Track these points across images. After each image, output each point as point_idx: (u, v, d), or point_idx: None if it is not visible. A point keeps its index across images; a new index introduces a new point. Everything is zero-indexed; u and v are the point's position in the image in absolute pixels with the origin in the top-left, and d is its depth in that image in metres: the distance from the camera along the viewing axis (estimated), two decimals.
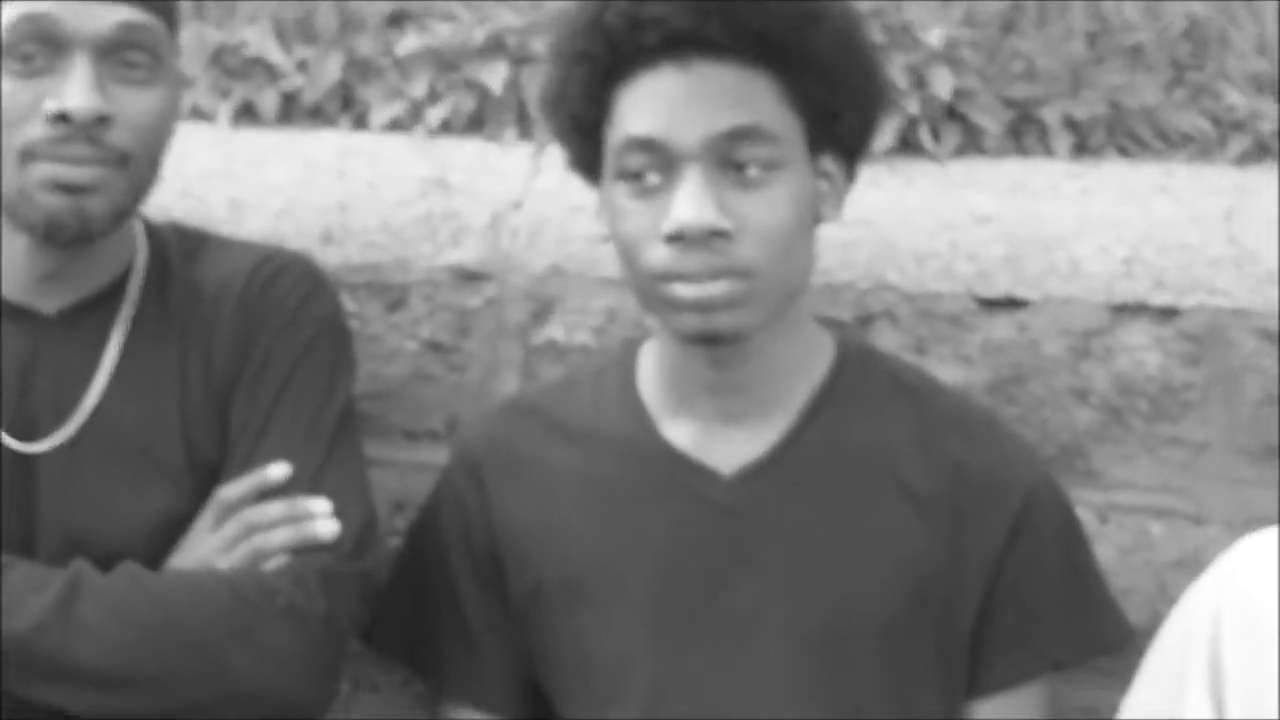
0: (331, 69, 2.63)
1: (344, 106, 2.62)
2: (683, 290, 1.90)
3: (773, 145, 1.90)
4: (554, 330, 2.36)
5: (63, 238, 1.98)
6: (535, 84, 2.51)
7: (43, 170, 1.95)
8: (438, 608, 2.10)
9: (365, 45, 2.66)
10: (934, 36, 2.49)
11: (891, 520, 2.01)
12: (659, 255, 1.91)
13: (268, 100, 2.61)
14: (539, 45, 2.58)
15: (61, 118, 1.91)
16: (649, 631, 2.01)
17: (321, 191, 2.45)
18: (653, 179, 1.90)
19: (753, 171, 1.89)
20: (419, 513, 2.15)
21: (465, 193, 2.44)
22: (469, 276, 2.37)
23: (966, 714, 2.07)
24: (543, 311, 2.36)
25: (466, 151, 2.52)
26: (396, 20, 2.70)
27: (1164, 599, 2.21)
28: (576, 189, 2.35)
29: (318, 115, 2.62)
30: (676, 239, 1.88)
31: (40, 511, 2.01)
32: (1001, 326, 2.30)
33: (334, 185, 2.46)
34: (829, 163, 1.97)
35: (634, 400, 2.06)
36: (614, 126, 1.93)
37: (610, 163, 1.94)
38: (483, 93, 2.57)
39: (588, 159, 2.00)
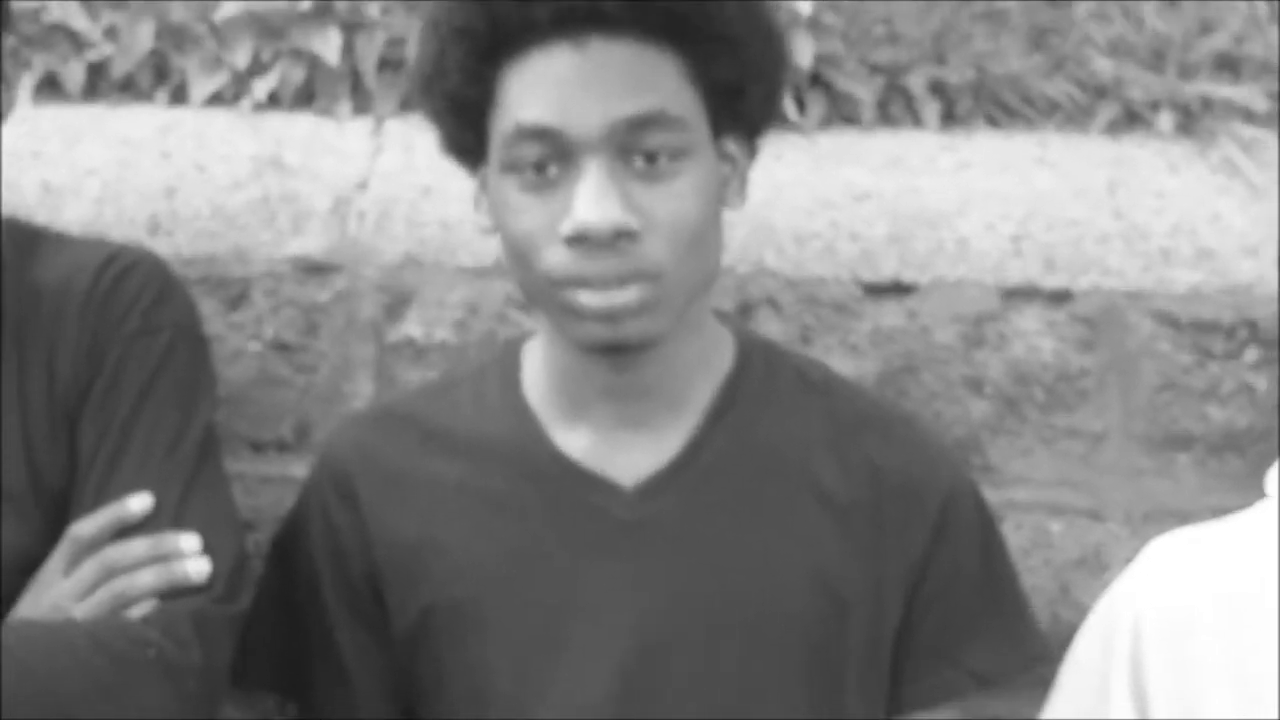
0: (143, 37, 2.47)
1: (158, 79, 2.48)
2: (587, 299, 1.79)
3: (679, 131, 1.79)
4: (410, 327, 2.25)
5: None
6: (371, 52, 2.43)
7: None
8: (308, 635, 1.99)
9: (179, 10, 2.50)
10: (804, 6, 2.42)
11: (807, 527, 1.93)
12: (558, 258, 1.78)
13: (73, 72, 2.45)
14: (373, 10, 2.46)
15: None
16: (549, 661, 1.91)
17: (144, 175, 2.30)
18: (548, 171, 1.78)
19: (659, 161, 1.78)
20: (281, 530, 2.03)
21: (303, 174, 2.31)
22: (315, 268, 2.25)
23: None
24: (397, 306, 2.25)
25: (300, 127, 2.39)
26: None
27: (1065, 600, 2.23)
28: (425, 168, 2.28)
29: (129, 88, 2.46)
30: (578, 241, 1.76)
31: None
32: (889, 313, 2.25)
33: (157, 167, 2.31)
34: (732, 144, 1.87)
35: (520, 406, 1.95)
36: (501, 111, 1.80)
37: (497, 152, 1.81)
38: (313, 62, 2.43)
39: (466, 144, 1.87)
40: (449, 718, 1.95)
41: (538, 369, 1.95)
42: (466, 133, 1.86)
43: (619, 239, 1.76)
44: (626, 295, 1.78)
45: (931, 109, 2.46)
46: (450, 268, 2.25)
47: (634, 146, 1.77)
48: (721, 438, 1.93)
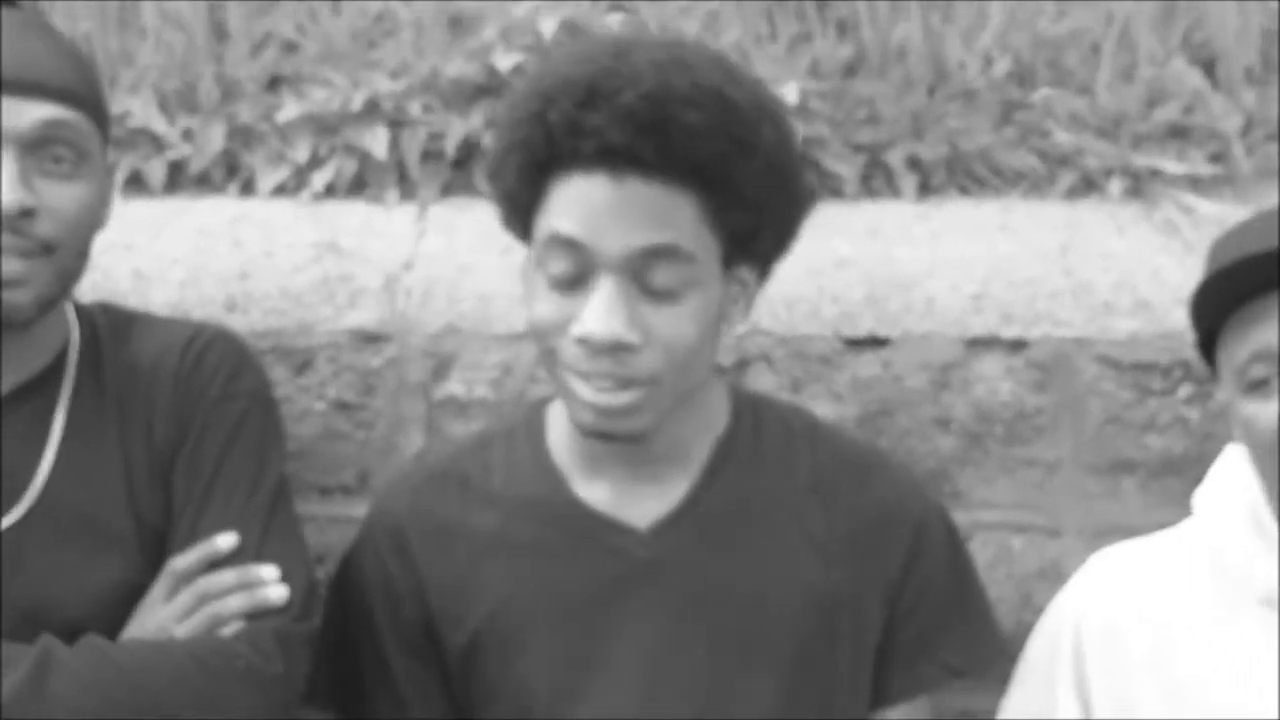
0: (215, 137, 2.73)
1: (229, 173, 2.73)
2: (585, 393, 1.97)
3: (688, 265, 1.94)
4: (454, 386, 2.47)
5: None
6: (414, 146, 2.68)
7: None
8: (364, 663, 2.17)
9: (246, 112, 2.76)
10: (790, 91, 2.64)
11: (794, 563, 2.11)
12: (567, 350, 1.96)
13: (155, 170, 2.71)
14: (415, 109, 2.72)
15: None
16: (582, 677, 2.09)
17: (220, 260, 2.55)
18: (572, 277, 1.95)
19: (668, 289, 1.94)
20: (340, 571, 2.21)
21: (357, 256, 2.55)
22: (369, 338, 2.48)
23: None
24: (441, 368, 2.47)
25: (353, 215, 2.63)
26: (274, 85, 2.81)
27: (1027, 607, 2.41)
28: (463, 249, 2.53)
29: (204, 182, 2.72)
30: (584, 343, 1.94)
31: (0, 587, 2.09)
32: (867, 364, 2.46)
33: (231, 254, 2.56)
34: (744, 272, 2.03)
35: (546, 463, 2.14)
36: (543, 216, 1.97)
37: (535, 248, 1.99)
38: (363, 156, 2.69)
39: (517, 228, 2.05)
40: None
41: (560, 430, 2.14)
42: (517, 222, 2.05)
43: (619, 349, 1.94)
44: (620, 398, 1.97)
45: (909, 181, 2.69)
46: (487, 335, 2.46)
47: (646, 272, 1.93)
48: (718, 488, 2.12)
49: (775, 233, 2.03)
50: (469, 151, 2.70)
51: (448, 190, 2.67)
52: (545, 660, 2.11)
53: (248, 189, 2.69)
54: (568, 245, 1.94)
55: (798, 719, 2.14)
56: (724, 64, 2.01)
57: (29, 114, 2.05)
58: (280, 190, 2.67)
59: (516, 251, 2.33)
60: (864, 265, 2.51)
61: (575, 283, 1.95)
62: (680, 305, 1.95)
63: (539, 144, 1.95)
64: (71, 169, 2.08)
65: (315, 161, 2.69)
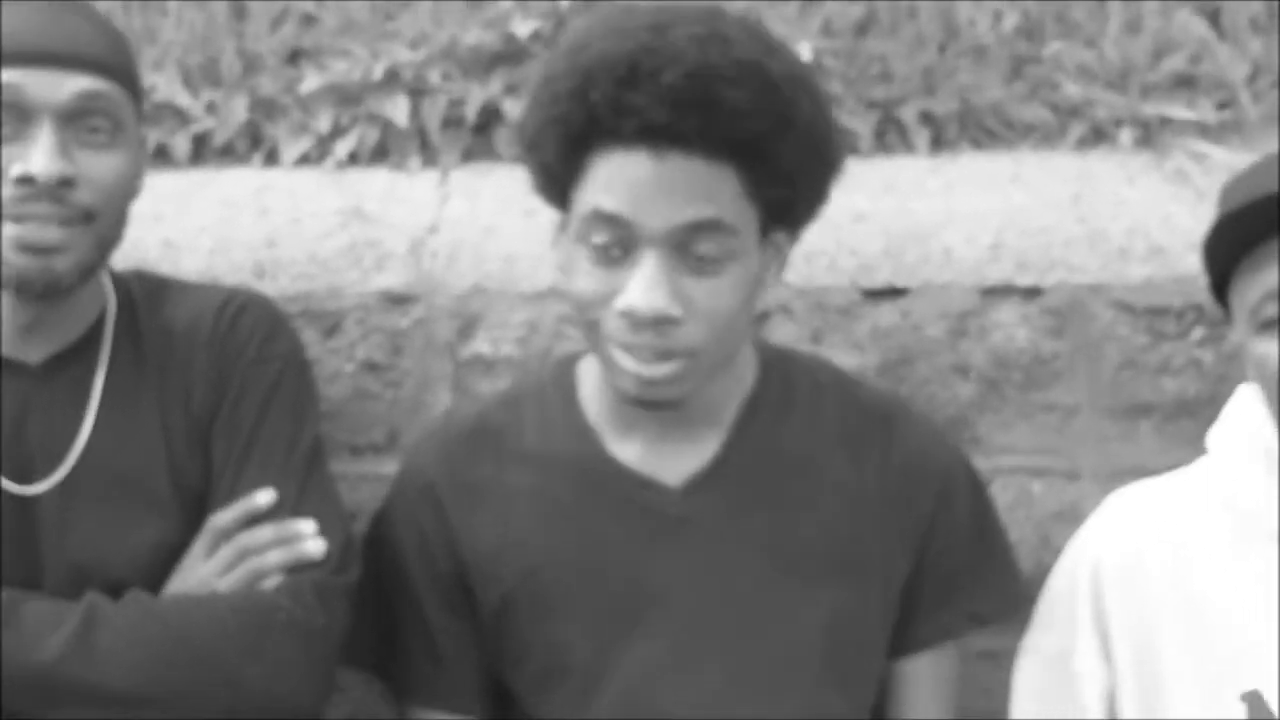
0: (238, 109, 2.78)
1: (253, 145, 2.78)
2: (628, 363, 1.99)
3: (730, 237, 1.97)
4: (480, 345, 2.51)
5: (31, 293, 2.12)
6: (435, 114, 2.73)
7: (10, 231, 2.09)
8: (401, 621, 2.20)
9: (268, 85, 2.81)
10: (803, 50, 2.67)
11: (824, 515, 2.14)
12: (611, 323, 1.98)
13: (180, 143, 2.76)
14: (435, 77, 2.77)
15: (26, 180, 2.03)
16: (615, 633, 2.12)
17: (247, 229, 2.59)
18: (614, 251, 1.97)
19: (709, 261, 1.97)
20: (373, 530, 2.24)
21: (382, 222, 2.59)
22: (396, 300, 2.52)
23: (896, 669, 2.27)
24: (468, 328, 2.51)
25: (376, 182, 2.68)
26: (294, 59, 2.86)
27: (1047, 548, 2.43)
28: (486, 212, 2.57)
29: (229, 154, 2.76)
30: (627, 315, 1.96)
31: (43, 549, 2.15)
32: (886, 314, 2.49)
33: (258, 222, 2.60)
34: (779, 237, 2.06)
35: (579, 421, 2.17)
36: (583, 192, 1.99)
37: (575, 223, 2.01)
38: (385, 125, 2.73)
39: (552, 197, 2.07)
40: (533, 685, 2.17)
41: (592, 388, 2.17)
42: (553, 192, 2.06)
43: (662, 322, 1.96)
44: (662, 369, 1.99)
45: (922, 137, 2.73)
46: (511, 294, 2.50)
47: (689, 245, 1.96)
48: (749, 443, 2.15)
49: (811, 199, 2.06)
50: (489, 117, 2.74)
51: (469, 156, 2.71)
52: (579, 617, 2.14)
53: (271, 159, 2.73)
54: (610, 221, 1.96)
55: (831, 672, 2.18)
56: (762, 35, 2.02)
57: (67, 86, 2.10)
58: (304, 160, 2.71)
59: (539, 214, 2.38)
60: (881, 218, 2.55)
61: (618, 257, 1.97)
62: (721, 277, 1.98)
63: (580, 121, 1.96)
64: (108, 139, 2.13)
65: (337, 131, 2.73)
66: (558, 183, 2.04)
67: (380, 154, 2.71)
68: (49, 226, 2.09)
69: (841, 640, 2.15)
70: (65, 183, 2.08)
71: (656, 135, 1.93)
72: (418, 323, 2.49)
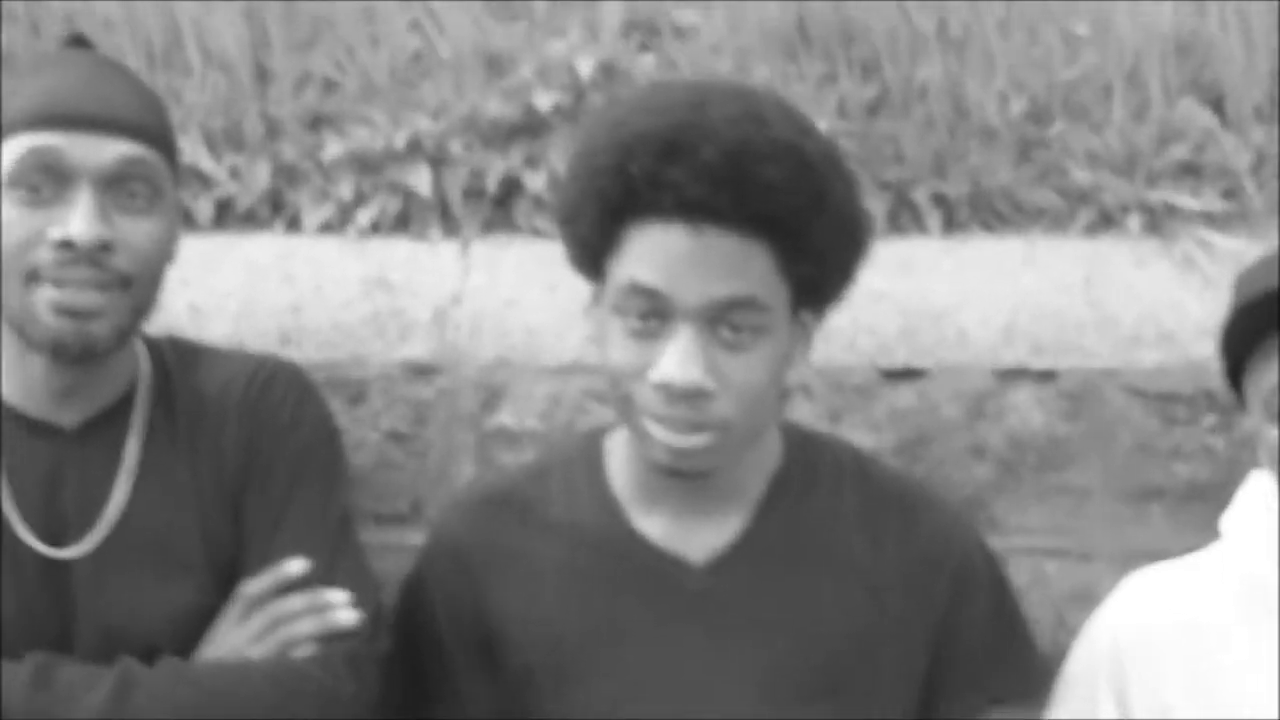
0: (261, 175, 2.80)
1: (275, 210, 2.79)
2: (661, 434, 2.02)
3: (763, 313, 2.00)
4: (504, 417, 2.54)
5: (67, 357, 2.14)
6: (456, 184, 2.75)
7: (48, 294, 2.11)
8: (430, 686, 2.22)
9: (290, 150, 2.83)
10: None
11: (843, 599, 2.16)
12: (644, 395, 2.01)
13: (203, 207, 2.77)
14: (456, 147, 2.79)
15: (66, 244, 2.06)
16: (637, 707, 2.14)
17: (271, 295, 2.61)
18: (650, 323, 1.99)
19: (742, 335, 1.99)
20: (402, 600, 2.25)
21: (405, 291, 2.62)
22: (421, 370, 2.55)
23: None
24: (492, 400, 2.54)
25: (399, 251, 2.70)
26: (315, 124, 2.88)
27: (1062, 628, 2.46)
28: (508, 284, 2.60)
29: (250, 219, 2.78)
30: (662, 388, 1.99)
31: (76, 612, 2.16)
32: (903, 395, 2.53)
33: (281, 289, 2.63)
34: (806, 315, 2.09)
35: (605, 494, 2.18)
36: (619, 264, 2.02)
37: (610, 294, 2.03)
38: (407, 194, 2.75)
39: (586, 269, 2.09)
40: None
41: (620, 462, 2.18)
42: (588, 266, 2.09)
43: (695, 395, 1.99)
44: (695, 440, 2.02)
45: (934, 218, 2.76)
46: (535, 367, 2.52)
47: (723, 320, 1.99)
48: (773, 523, 2.17)
49: (839, 279, 2.09)
50: (509, 189, 2.77)
51: (489, 227, 2.74)
52: (598, 688, 2.15)
53: (293, 225, 2.75)
54: (646, 293, 1.99)
55: None
56: (794, 116, 2.06)
57: (107, 150, 2.12)
58: (326, 227, 2.74)
59: (562, 288, 2.44)
60: (897, 298, 2.58)
61: (653, 332, 2.00)
62: (753, 352, 2.01)
63: (618, 194, 2.00)
64: (146, 204, 2.15)
65: (359, 199, 2.75)
66: (593, 255, 2.06)
67: (401, 222, 2.74)
68: (87, 291, 2.11)
69: (853, 710, 2.15)
70: (104, 247, 2.10)
71: (693, 210, 1.96)
72: (442, 394, 2.52)
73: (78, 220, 2.07)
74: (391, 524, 2.49)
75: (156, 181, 2.16)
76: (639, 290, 2.00)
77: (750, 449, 2.14)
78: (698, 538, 2.16)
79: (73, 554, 2.17)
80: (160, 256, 2.18)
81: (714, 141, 1.97)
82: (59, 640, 2.15)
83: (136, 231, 2.11)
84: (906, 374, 2.50)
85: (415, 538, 2.35)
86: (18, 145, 2.11)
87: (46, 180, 2.10)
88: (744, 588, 2.15)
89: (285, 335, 2.53)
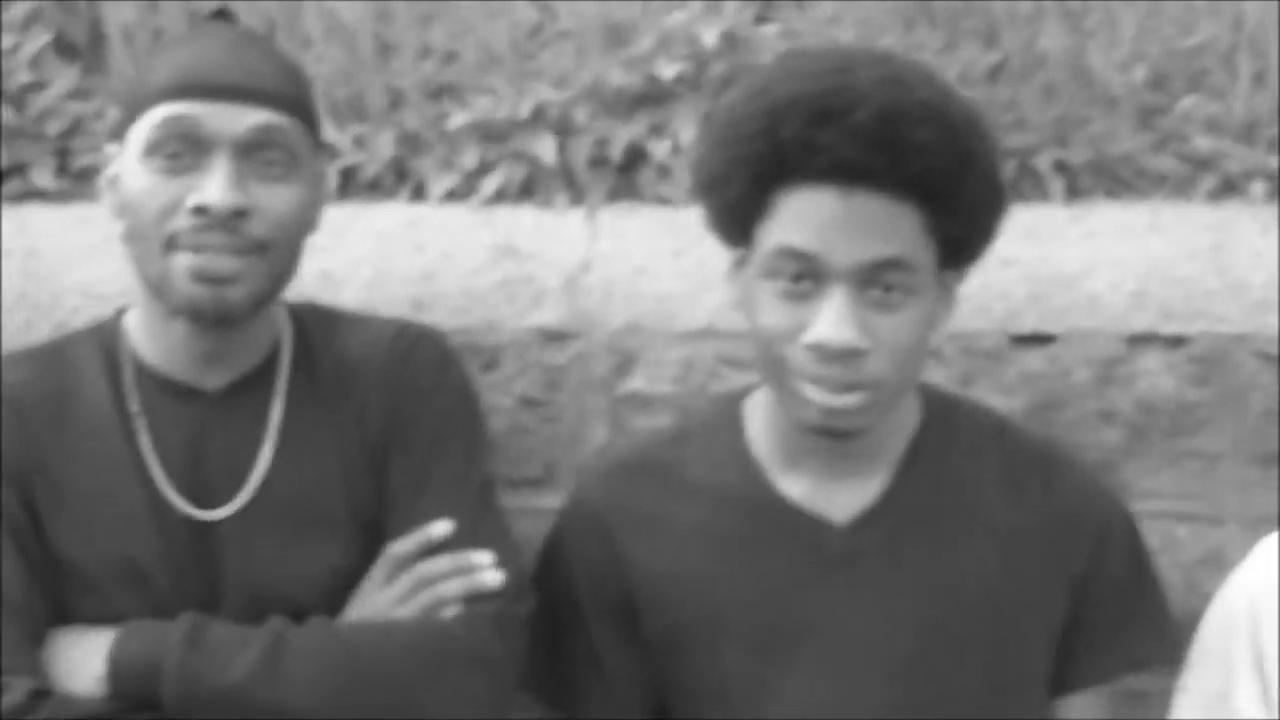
0: (385, 145, 2.82)
1: (399, 179, 2.82)
2: (815, 394, 2.05)
3: (912, 274, 2.03)
4: (636, 382, 2.56)
5: (204, 321, 2.17)
6: (581, 152, 2.77)
7: (185, 260, 2.14)
8: (570, 650, 2.25)
9: (413, 120, 2.85)
10: None
11: (984, 557, 2.19)
12: (797, 356, 2.04)
13: (329, 176, 2.75)
14: (580, 116, 2.82)
15: (202, 210, 2.10)
16: (781, 668, 2.16)
17: (403, 263, 2.64)
18: (801, 285, 2.03)
19: (893, 295, 2.03)
20: (541, 565, 2.27)
21: (534, 258, 2.64)
22: (553, 336, 2.57)
23: (1053, 711, 2.31)
24: (624, 365, 2.56)
25: (525, 219, 2.72)
26: (437, 94, 2.90)
27: (1193, 593, 2.47)
28: (636, 251, 2.62)
29: (375, 188, 2.81)
30: (816, 349, 2.03)
31: (224, 573, 2.20)
32: (1034, 359, 2.55)
33: (412, 256, 2.65)
34: (949, 276, 2.12)
35: (746, 457, 2.21)
36: (769, 228, 2.05)
37: (760, 259, 2.06)
38: (532, 162, 2.78)
39: (731, 237, 2.12)
40: (694, 712, 2.22)
41: (761, 425, 2.21)
42: (734, 230, 2.11)
43: (850, 355, 2.02)
44: (848, 399, 2.05)
45: (1057, 185, 2.78)
46: (667, 333, 2.55)
47: (874, 281, 2.02)
48: (913, 484, 2.20)
49: (983, 239, 2.12)
50: (633, 157, 2.79)
51: (614, 195, 2.76)
52: (743, 649, 2.18)
53: (418, 194, 2.78)
54: (799, 257, 2.03)
55: (990, 709, 2.22)
56: (936, 80, 2.09)
57: (244, 119, 2.15)
58: (451, 196, 2.76)
59: (689, 254, 2.47)
60: (1025, 264, 2.60)
61: (805, 294, 2.03)
62: (903, 312, 2.04)
63: (769, 159, 2.02)
64: (283, 172, 2.18)
65: (484, 168, 2.78)
66: (740, 221, 2.09)
67: (526, 192, 2.76)
68: (223, 256, 2.13)
69: (1002, 681, 2.19)
70: (239, 214, 2.12)
71: (845, 173, 1.99)
72: (574, 359, 2.55)
73: (214, 187, 2.10)
74: (525, 489, 2.51)
75: (294, 149, 2.18)
76: (791, 254, 2.03)
77: (891, 411, 2.16)
78: (839, 498, 2.19)
79: (219, 515, 2.20)
80: (298, 224, 2.20)
81: (865, 104, 2.00)
82: (206, 601, 2.18)
83: (273, 199, 2.13)
84: (1036, 339, 2.51)
85: (548, 502, 2.38)
86: (156, 115, 2.14)
87: (185, 149, 2.13)
88: (886, 547, 2.18)
89: (418, 302, 2.56)
